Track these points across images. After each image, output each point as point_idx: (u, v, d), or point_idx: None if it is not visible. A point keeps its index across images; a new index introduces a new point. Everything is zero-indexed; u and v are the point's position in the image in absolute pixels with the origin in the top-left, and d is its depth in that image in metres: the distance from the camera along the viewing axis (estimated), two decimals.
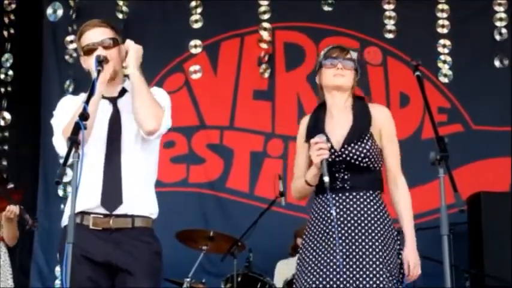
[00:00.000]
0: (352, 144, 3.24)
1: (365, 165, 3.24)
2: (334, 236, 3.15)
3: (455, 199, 2.64)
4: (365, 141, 3.26)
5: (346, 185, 3.23)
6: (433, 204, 5.81)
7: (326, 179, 3.10)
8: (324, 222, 3.23)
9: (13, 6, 7.04)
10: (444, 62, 6.83)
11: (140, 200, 3.04)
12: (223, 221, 6.48)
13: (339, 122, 3.32)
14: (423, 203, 6.11)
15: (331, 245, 3.16)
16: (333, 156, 3.22)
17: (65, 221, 2.92)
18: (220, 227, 5.76)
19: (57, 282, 6.42)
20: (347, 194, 3.22)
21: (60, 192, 6.61)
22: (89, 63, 3.05)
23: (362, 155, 3.23)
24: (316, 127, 3.33)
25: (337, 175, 3.23)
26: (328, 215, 3.19)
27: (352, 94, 3.38)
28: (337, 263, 3.11)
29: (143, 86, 3.02)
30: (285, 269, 5.66)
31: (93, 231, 2.97)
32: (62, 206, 6.48)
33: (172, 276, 5.25)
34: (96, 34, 3.07)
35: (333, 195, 3.22)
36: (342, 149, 3.24)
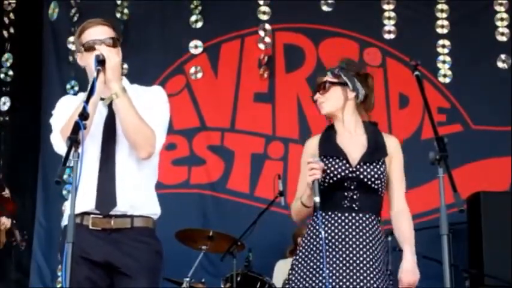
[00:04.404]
0: (368, 164, 3.23)
1: (376, 187, 3.23)
2: (322, 259, 3.13)
3: (455, 199, 2.63)
4: (380, 163, 3.26)
5: (354, 206, 3.21)
6: (433, 204, 5.83)
7: (317, 199, 3.08)
8: (318, 242, 3.20)
9: (13, 6, 7.04)
10: (444, 62, 6.82)
11: (139, 200, 3.04)
12: (224, 221, 6.47)
13: (352, 140, 3.31)
14: (423, 203, 6.12)
15: (319, 263, 3.15)
16: (347, 172, 3.21)
17: (65, 220, 2.92)
18: (220, 228, 5.77)
19: (60, 280, 6.43)
20: (353, 214, 3.21)
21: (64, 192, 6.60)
22: (88, 61, 3.02)
23: (376, 175, 3.22)
24: (330, 142, 3.31)
25: (346, 193, 3.22)
26: (325, 235, 3.18)
27: (360, 110, 3.37)
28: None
29: (128, 109, 2.96)
30: (284, 268, 5.66)
31: (92, 231, 2.98)
32: (63, 207, 6.49)
33: (171, 275, 5.25)
34: (99, 32, 3.05)
35: (338, 214, 3.21)
36: (358, 166, 3.22)
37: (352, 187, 3.21)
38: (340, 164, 3.22)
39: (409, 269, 3.17)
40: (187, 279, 5.28)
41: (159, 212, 3.13)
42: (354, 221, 3.20)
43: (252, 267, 5.57)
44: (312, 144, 3.38)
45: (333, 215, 3.20)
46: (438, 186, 2.67)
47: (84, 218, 2.98)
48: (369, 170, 3.22)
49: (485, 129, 6.65)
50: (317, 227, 3.21)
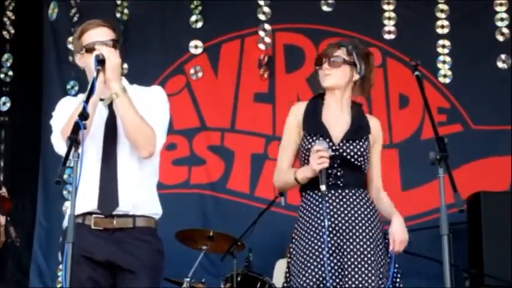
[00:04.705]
0: (351, 141, 3.28)
1: (359, 164, 3.28)
2: (323, 246, 3.17)
3: (455, 199, 2.64)
4: (363, 140, 3.30)
5: (339, 182, 3.25)
6: (433, 204, 5.83)
7: (323, 187, 3.14)
8: (315, 225, 3.24)
9: (13, 6, 7.04)
10: (444, 62, 6.81)
11: (140, 200, 3.04)
12: (224, 221, 6.47)
13: (337, 117, 3.35)
14: (423, 203, 6.12)
15: (321, 249, 3.18)
16: (330, 150, 3.24)
17: (66, 221, 2.92)
18: (220, 228, 5.77)
19: (60, 280, 6.43)
20: (339, 191, 3.25)
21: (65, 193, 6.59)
22: (88, 61, 3.03)
23: (359, 153, 3.27)
24: (314, 118, 3.34)
25: (330, 171, 3.24)
26: (322, 218, 3.20)
27: (351, 92, 3.40)
28: (325, 274, 3.12)
29: (129, 109, 2.97)
30: (284, 268, 5.65)
31: (94, 231, 2.99)
32: (64, 208, 6.48)
33: (172, 275, 5.25)
34: (99, 34, 3.06)
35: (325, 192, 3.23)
36: (341, 144, 3.27)
37: (336, 165, 3.25)
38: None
39: (398, 228, 3.24)
40: (188, 279, 5.28)
41: (160, 212, 3.13)
42: (340, 197, 3.24)
43: (252, 267, 5.57)
44: (298, 111, 3.39)
45: (319, 193, 3.22)
46: (438, 186, 2.67)
47: (86, 218, 2.99)
48: (351, 147, 3.27)
49: (485, 129, 6.65)
50: (312, 211, 3.26)
